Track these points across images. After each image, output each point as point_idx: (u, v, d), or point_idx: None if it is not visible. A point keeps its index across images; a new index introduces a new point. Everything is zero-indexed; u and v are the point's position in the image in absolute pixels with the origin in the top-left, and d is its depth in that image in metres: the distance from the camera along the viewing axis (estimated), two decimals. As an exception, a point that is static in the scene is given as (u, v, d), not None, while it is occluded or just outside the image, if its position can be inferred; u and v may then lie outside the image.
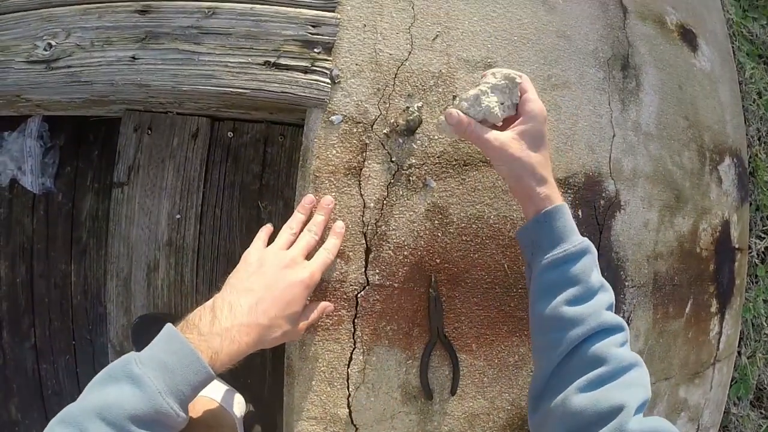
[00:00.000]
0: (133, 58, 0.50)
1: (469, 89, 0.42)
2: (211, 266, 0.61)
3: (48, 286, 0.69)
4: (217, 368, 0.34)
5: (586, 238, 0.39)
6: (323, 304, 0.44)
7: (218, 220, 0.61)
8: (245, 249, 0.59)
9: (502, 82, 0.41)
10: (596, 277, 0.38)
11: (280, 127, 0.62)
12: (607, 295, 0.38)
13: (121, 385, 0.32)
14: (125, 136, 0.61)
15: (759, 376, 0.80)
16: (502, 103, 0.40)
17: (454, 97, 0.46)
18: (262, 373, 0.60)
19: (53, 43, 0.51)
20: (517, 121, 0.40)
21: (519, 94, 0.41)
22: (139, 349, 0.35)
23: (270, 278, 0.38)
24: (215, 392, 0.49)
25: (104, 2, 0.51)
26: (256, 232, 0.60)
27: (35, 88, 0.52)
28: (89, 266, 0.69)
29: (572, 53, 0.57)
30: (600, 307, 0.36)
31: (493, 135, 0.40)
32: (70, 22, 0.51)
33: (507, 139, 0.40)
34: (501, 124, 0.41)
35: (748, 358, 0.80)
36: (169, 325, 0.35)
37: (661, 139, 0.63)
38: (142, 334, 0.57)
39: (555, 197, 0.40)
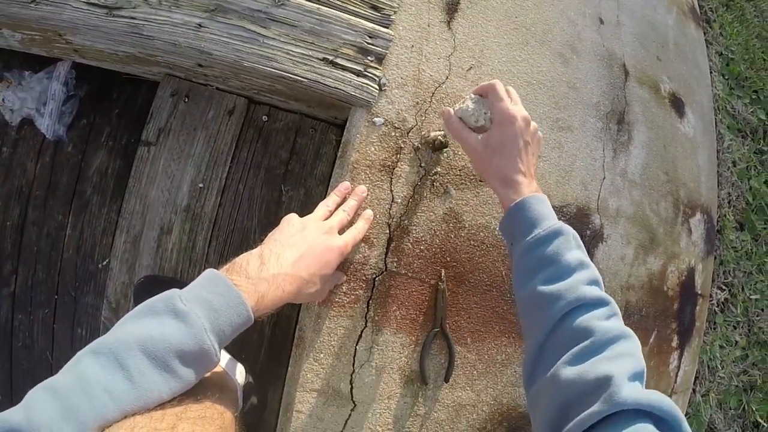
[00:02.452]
0: (200, 25, 0.58)
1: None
2: (225, 238, 0.69)
3: (39, 234, 0.74)
4: (260, 311, 0.39)
5: (559, 222, 0.44)
6: (341, 273, 0.55)
7: (240, 195, 0.70)
8: (262, 228, 0.70)
9: (475, 95, 0.52)
10: (572, 256, 0.42)
11: (312, 121, 0.73)
12: (587, 272, 0.41)
13: (163, 320, 0.34)
14: (161, 99, 0.70)
15: (711, 415, 0.98)
16: (478, 111, 0.50)
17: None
18: (257, 349, 0.69)
19: (118, -10, 0.58)
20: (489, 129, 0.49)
21: (489, 105, 0.50)
22: None
23: (312, 239, 0.47)
24: (220, 359, 0.57)
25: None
26: (275, 213, 0.71)
27: (91, 30, 0.59)
28: (88, 222, 0.75)
29: (578, 103, 0.74)
30: (578, 283, 0.40)
31: (470, 136, 0.49)
32: (140, -24, 0.59)
33: (475, 143, 0.49)
34: (473, 127, 0.51)
35: (702, 396, 0.98)
36: (211, 269, 0.40)
37: (643, 187, 0.81)
38: (145, 294, 0.64)
39: (523, 191, 0.46)
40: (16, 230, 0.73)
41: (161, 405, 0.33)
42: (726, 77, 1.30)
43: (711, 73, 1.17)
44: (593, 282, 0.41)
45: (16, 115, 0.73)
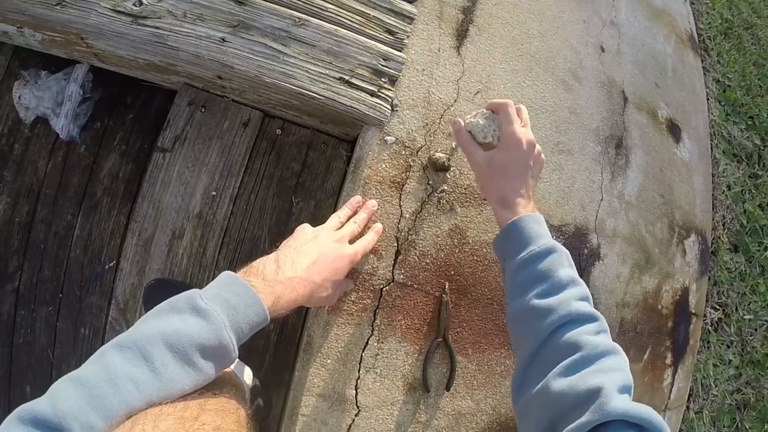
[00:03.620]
0: (223, 39, 0.64)
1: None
2: (235, 246, 0.75)
3: (47, 232, 0.78)
4: (276, 312, 0.43)
5: (553, 240, 0.47)
6: (350, 280, 0.60)
7: (251, 205, 0.76)
8: (272, 237, 0.75)
9: (488, 111, 0.55)
10: (565, 272, 0.45)
11: (324, 136, 0.80)
12: (578, 289, 0.45)
13: (185, 317, 0.37)
14: (178, 107, 0.76)
15: (704, 433, 1.05)
16: (487, 127, 0.54)
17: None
18: (263, 355, 0.74)
19: (144, 1, 0.63)
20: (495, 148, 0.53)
21: (499, 124, 0.54)
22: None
23: (324, 247, 0.52)
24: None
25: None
26: (285, 223, 0.76)
27: (114, 36, 0.64)
28: (96, 223, 0.80)
29: (579, 127, 0.82)
30: (569, 298, 0.43)
31: (476, 152, 0.53)
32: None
33: (481, 160, 0.53)
34: (481, 142, 0.55)
35: (696, 414, 1.05)
36: (228, 271, 0.43)
37: (639, 209, 0.88)
38: (155, 296, 0.69)
39: (520, 212, 0.49)
40: (24, 227, 0.78)
41: (183, 396, 0.36)
42: (722, 103, 1.40)
43: (708, 99, 1.27)
44: (584, 298, 0.45)
45: (31, 113, 0.78)
